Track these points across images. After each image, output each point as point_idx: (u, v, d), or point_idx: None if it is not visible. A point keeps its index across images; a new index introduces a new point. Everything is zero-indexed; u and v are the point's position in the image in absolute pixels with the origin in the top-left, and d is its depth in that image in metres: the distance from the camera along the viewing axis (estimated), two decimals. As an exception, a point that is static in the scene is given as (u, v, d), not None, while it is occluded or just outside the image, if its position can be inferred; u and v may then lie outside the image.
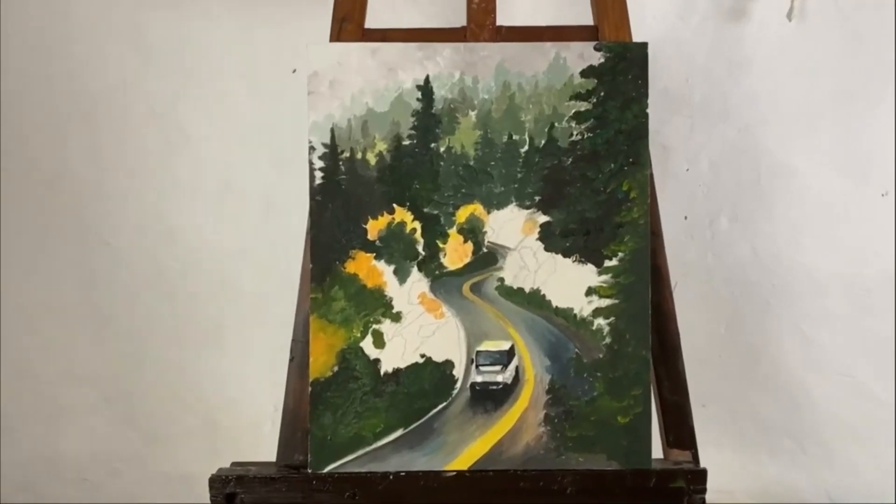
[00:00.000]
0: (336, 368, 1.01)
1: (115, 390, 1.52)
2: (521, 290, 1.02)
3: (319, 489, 0.99)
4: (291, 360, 1.04)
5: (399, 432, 1.01)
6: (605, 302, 1.01)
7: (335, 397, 1.01)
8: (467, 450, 1.00)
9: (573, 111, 1.01)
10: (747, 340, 1.44)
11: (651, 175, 1.05)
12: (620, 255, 1.01)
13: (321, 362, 1.01)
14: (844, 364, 1.46)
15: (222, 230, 1.43)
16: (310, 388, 1.01)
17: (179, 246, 1.45)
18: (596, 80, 1.01)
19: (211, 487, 0.99)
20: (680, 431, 1.05)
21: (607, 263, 1.01)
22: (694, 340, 1.52)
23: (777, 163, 1.41)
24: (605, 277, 1.01)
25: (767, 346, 1.42)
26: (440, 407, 1.01)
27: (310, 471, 1.00)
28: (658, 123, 1.41)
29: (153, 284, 1.46)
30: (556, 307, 1.02)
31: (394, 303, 1.02)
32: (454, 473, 1.00)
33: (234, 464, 1.06)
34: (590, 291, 1.01)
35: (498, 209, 1.02)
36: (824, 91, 1.39)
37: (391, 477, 0.99)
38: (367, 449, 1.01)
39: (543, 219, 1.02)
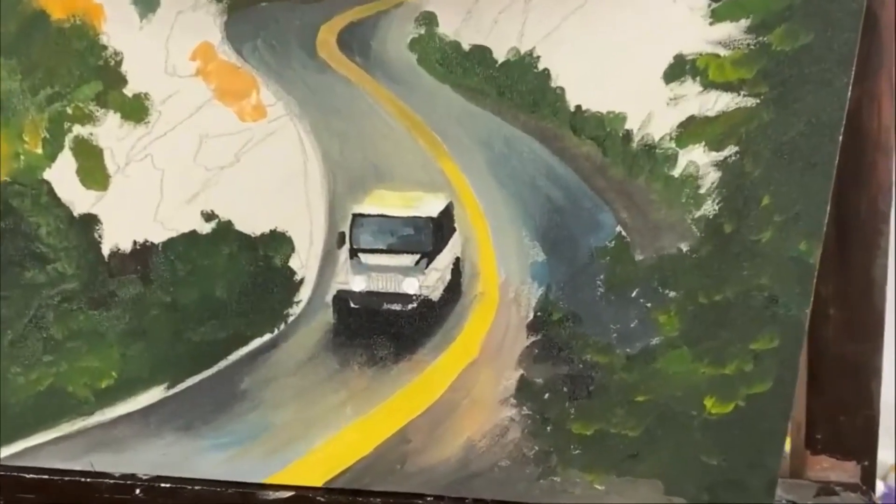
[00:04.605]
0: (-13, 231, 0.39)
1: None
2: (482, 51, 0.36)
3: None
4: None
5: (158, 391, 0.41)
6: (726, 99, 0.35)
7: (-10, 302, 0.40)
8: (323, 444, 0.41)
9: None
10: None
11: None
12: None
13: (-54, 213, 0.39)
14: None
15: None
16: (-73, 276, 0.40)
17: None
18: None
19: None
20: (844, 424, 0.44)
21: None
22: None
23: None
24: (725, 28, 0.34)
25: None
26: (259, 343, 0.40)
27: (-45, 457, 0.42)
28: None
29: None
30: (580, 108, 0.36)
31: (126, 65, 0.37)
32: (289, 495, 0.41)
33: None
34: (678, 69, 0.35)
35: None
36: None
37: (139, 492, 0.41)
38: (81, 424, 0.42)
39: None
